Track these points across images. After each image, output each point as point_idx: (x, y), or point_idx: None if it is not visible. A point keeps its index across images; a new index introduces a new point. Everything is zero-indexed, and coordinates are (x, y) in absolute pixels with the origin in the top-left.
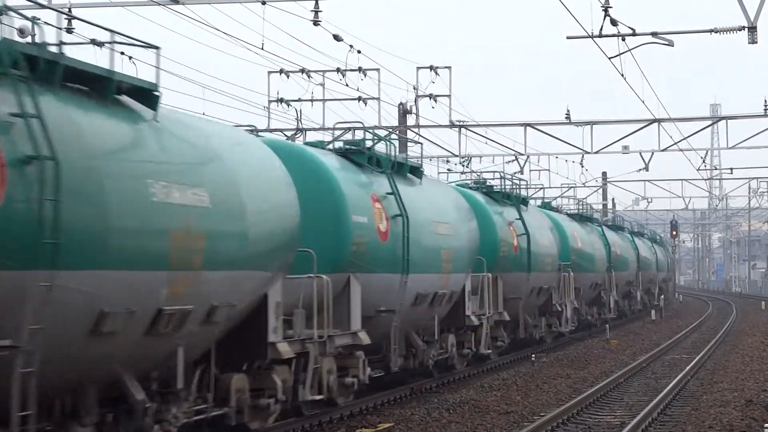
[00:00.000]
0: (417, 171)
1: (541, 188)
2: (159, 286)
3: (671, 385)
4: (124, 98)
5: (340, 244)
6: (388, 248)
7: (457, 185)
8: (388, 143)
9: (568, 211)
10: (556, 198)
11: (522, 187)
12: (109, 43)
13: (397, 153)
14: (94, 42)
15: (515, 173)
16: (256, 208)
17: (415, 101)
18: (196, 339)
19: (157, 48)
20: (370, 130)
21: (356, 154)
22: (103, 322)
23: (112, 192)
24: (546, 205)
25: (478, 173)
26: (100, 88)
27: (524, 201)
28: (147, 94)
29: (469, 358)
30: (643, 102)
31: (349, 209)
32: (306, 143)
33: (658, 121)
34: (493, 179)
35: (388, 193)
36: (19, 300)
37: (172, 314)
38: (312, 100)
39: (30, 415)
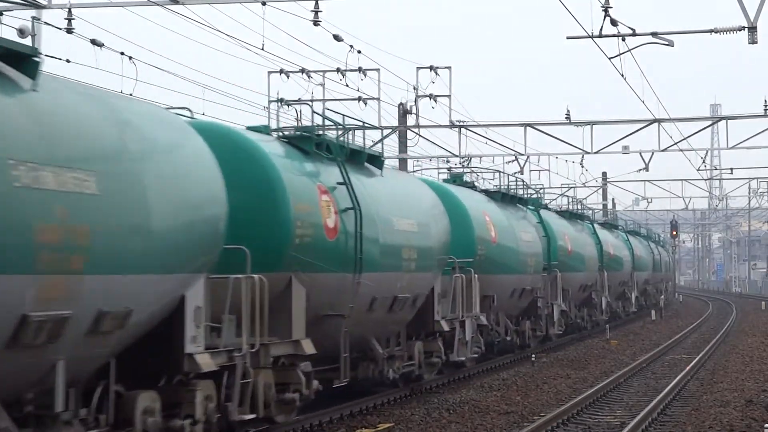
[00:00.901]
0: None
1: (541, 188)
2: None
3: (671, 385)
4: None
5: (279, 239)
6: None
7: (248, 128)
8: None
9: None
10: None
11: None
12: None
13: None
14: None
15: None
16: (166, 199)
17: (415, 101)
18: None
19: (41, 7)
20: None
21: (302, 140)
22: None
23: None
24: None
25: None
26: None
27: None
28: (25, 60)
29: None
30: (643, 102)
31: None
32: (248, 128)
33: (658, 121)
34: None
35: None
36: None
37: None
38: (312, 101)
39: None
